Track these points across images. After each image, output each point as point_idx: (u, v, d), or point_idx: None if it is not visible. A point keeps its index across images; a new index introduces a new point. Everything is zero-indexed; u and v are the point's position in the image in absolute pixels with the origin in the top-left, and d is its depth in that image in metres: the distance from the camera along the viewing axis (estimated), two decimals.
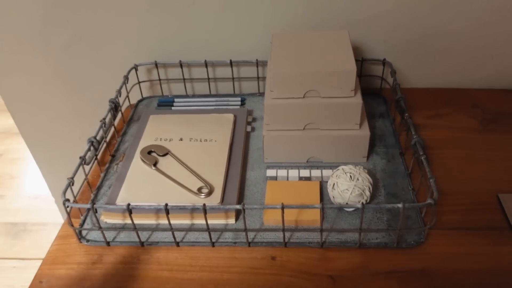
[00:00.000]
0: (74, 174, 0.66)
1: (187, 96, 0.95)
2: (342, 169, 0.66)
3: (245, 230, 0.61)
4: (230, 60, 0.89)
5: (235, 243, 0.63)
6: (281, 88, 0.69)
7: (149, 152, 0.75)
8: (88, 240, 0.65)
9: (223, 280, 0.59)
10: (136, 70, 0.91)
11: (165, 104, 0.90)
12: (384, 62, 0.87)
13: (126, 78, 0.87)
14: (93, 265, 0.62)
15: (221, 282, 0.59)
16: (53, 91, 1.00)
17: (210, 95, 0.94)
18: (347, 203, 0.63)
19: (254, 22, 0.87)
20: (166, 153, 0.75)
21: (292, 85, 0.69)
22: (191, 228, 0.64)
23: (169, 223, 0.61)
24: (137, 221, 0.63)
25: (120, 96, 0.83)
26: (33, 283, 0.60)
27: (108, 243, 0.64)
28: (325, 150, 0.73)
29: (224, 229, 0.64)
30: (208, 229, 0.61)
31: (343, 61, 0.69)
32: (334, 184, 0.65)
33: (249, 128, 0.82)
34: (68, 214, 0.62)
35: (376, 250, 0.61)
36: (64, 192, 0.62)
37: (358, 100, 0.69)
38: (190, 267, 0.61)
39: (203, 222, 0.64)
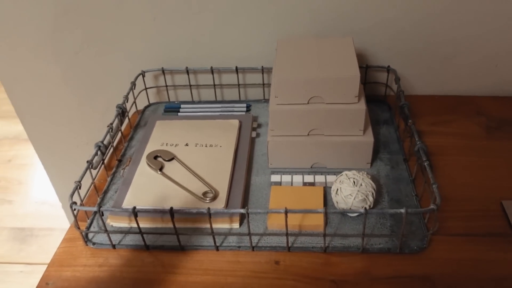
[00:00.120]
0: (81, 177, 0.67)
1: (193, 102, 0.96)
2: (346, 174, 0.66)
3: (249, 234, 0.62)
4: (236, 67, 0.90)
5: (239, 247, 0.64)
6: (285, 94, 0.70)
7: (155, 157, 0.76)
8: (94, 243, 0.66)
9: (227, 284, 0.59)
10: (143, 76, 0.93)
11: (172, 110, 0.91)
12: (388, 69, 0.88)
13: (133, 84, 0.88)
14: (99, 267, 0.62)
15: (225, 285, 0.59)
16: (61, 97, 1.02)
17: (216, 101, 0.95)
18: (350, 208, 0.64)
19: (259, 29, 0.88)
20: (172, 158, 0.76)
21: (297, 91, 0.69)
22: (195, 232, 0.65)
23: (174, 227, 0.62)
24: (142, 224, 0.64)
25: (127, 102, 0.84)
26: (39, 284, 0.61)
27: (114, 246, 0.65)
28: (329, 156, 0.74)
29: (228, 233, 0.65)
30: (213, 233, 0.62)
31: (347, 68, 0.69)
32: (337, 189, 0.65)
33: (254, 134, 0.83)
34: (75, 216, 0.63)
35: (379, 256, 0.61)
36: (71, 195, 0.63)
37: (362, 106, 0.70)
38: (194, 271, 0.61)
39: (208, 226, 0.64)
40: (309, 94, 0.70)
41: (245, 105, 0.91)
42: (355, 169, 0.69)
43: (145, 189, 0.71)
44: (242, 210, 0.59)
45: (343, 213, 0.66)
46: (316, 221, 0.64)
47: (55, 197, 1.25)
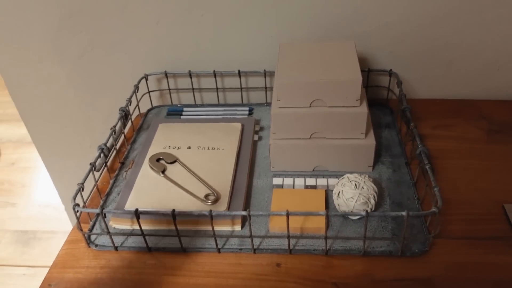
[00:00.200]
0: (84, 180, 0.67)
1: (196, 105, 0.96)
2: (347, 177, 0.66)
3: (251, 236, 0.62)
4: (239, 71, 0.91)
5: (240, 249, 0.64)
6: (287, 97, 0.70)
7: (158, 160, 0.76)
8: (96, 245, 0.66)
9: (228, 286, 0.59)
10: (147, 79, 0.93)
11: (174, 113, 0.92)
12: (390, 73, 0.88)
13: (136, 87, 0.89)
14: (101, 269, 0.63)
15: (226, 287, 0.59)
16: (65, 100, 1.02)
17: (218, 105, 0.96)
18: (351, 211, 0.64)
19: (262, 33, 0.89)
20: (174, 160, 0.76)
21: (299, 94, 0.70)
22: (197, 234, 0.65)
23: (176, 229, 0.62)
24: (144, 226, 0.64)
25: (130, 105, 0.85)
26: (42, 286, 0.61)
27: (116, 248, 0.65)
28: (331, 159, 0.74)
29: (230, 235, 0.65)
30: (214, 235, 0.62)
31: (349, 71, 0.70)
32: (339, 192, 0.66)
33: (256, 137, 0.83)
34: (78, 218, 0.64)
35: (381, 258, 0.61)
36: (74, 197, 0.64)
37: (363, 109, 0.70)
38: (196, 273, 0.61)
39: (210, 228, 0.65)
40: (311, 98, 0.70)
41: (247, 108, 0.91)
42: (357, 172, 0.69)
43: (148, 191, 0.71)
44: (244, 213, 0.59)
45: (345, 216, 0.67)
46: (317, 224, 0.64)
47: (58, 200, 1.26)
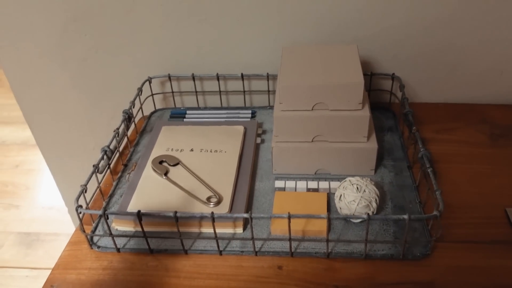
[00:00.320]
0: (87, 181, 0.67)
1: (199, 108, 0.97)
2: (349, 180, 0.66)
3: (252, 239, 0.62)
4: (242, 74, 0.91)
5: (242, 252, 0.64)
6: (290, 100, 0.71)
7: (161, 162, 0.77)
8: (99, 247, 0.66)
9: None
10: (150, 82, 0.94)
11: (178, 115, 0.92)
12: (393, 77, 0.88)
13: (140, 90, 0.89)
14: (103, 270, 0.63)
15: None
16: (69, 103, 1.03)
17: (221, 108, 0.96)
18: (353, 214, 0.64)
19: (265, 36, 0.89)
20: (177, 163, 0.77)
21: (301, 97, 0.70)
22: (199, 236, 0.66)
23: (178, 231, 0.62)
24: (147, 228, 0.65)
25: (133, 107, 0.86)
26: (44, 287, 0.61)
27: (118, 250, 0.65)
28: (333, 162, 0.74)
29: (232, 238, 0.65)
30: (216, 237, 0.62)
31: (351, 75, 0.70)
32: (341, 195, 0.66)
33: (258, 140, 0.84)
34: (81, 220, 0.64)
35: (382, 262, 0.61)
36: (77, 199, 0.64)
37: (365, 113, 0.70)
38: (197, 275, 0.61)
39: (211, 230, 0.65)
40: (314, 101, 0.70)
41: (250, 111, 0.91)
42: (359, 176, 0.69)
43: (150, 193, 0.71)
44: (246, 215, 0.59)
45: (346, 219, 0.67)
46: (319, 227, 0.65)
47: (62, 202, 1.26)
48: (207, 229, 0.66)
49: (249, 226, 0.66)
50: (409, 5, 0.83)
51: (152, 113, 0.96)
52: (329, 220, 0.66)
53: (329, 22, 0.86)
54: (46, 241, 1.70)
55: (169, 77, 0.94)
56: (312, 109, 0.71)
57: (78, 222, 0.64)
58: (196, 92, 0.95)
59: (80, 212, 0.63)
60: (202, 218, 0.66)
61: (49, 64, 0.97)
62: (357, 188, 0.65)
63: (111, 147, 0.76)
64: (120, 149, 0.81)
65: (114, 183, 0.77)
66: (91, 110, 1.04)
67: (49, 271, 0.64)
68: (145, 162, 0.78)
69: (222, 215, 0.62)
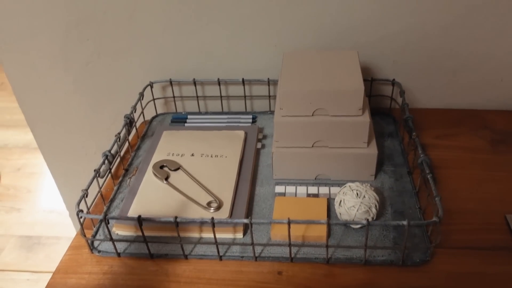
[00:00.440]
0: (88, 186, 0.68)
1: (200, 113, 0.97)
2: (349, 186, 0.67)
3: (252, 244, 0.62)
4: (243, 79, 0.92)
5: (242, 257, 0.64)
6: (290, 106, 0.71)
7: (161, 167, 0.77)
8: (99, 251, 0.67)
9: None
10: (151, 87, 0.94)
11: (179, 120, 0.93)
12: (393, 83, 0.88)
13: (141, 95, 0.90)
14: (104, 275, 0.63)
15: None
16: (71, 107, 1.03)
17: (222, 113, 0.97)
18: (353, 220, 0.64)
19: (266, 42, 0.90)
20: (177, 168, 0.77)
21: (301, 103, 0.70)
22: (199, 241, 0.66)
23: (178, 236, 0.63)
24: (147, 233, 0.65)
25: (135, 112, 0.86)
26: None
27: (118, 254, 0.66)
28: (333, 168, 0.74)
29: (232, 243, 0.65)
30: (216, 242, 0.63)
31: (351, 81, 0.70)
32: (341, 201, 0.66)
33: (259, 145, 0.84)
34: (81, 224, 0.64)
35: (382, 268, 0.61)
36: (78, 203, 0.64)
37: (366, 119, 0.70)
38: (197, 280, 0.62)
39: (212, 235, 0.65)
40: (314, 106, 0.71)
41: (251, 116, 0.92)
42: (359, 181, 0.70)
43: (151, 198, 0.72)
44: (246, 220, 0.60)
45: (346, 225, 0.67)
46: (319, 232, 0.65)
47: (63, 205, 1.26)
48: (207, 234, 0.67)
49: (249, 231, 0.66)
50: (409, 11, 0.83)
51: (154, 117, 0.96)
52: (329, 225, 0.66)
53: (330, 28, 0.87)
54: (47, 245, 1.70)
55: (171, 82, 0.94)
56: (312, 115, 0.71)
57: (79, 225, 0.65)
58: (197, 97, 0.96)
59: (81, 217, 0.63)
60: (202, 223, 0.66)
61: (52, 68, 0.97)
62: (357, 194, 0.65)
63: (112, 151, 0.76)
64: (121, 153, 0.81)
65: (115, 188, 0.77)
66: (92, 114, 1.04)
67: (50, 275, 0.64)
68: (146, 166, 0.78)
69: (222, 220, 0.63)
